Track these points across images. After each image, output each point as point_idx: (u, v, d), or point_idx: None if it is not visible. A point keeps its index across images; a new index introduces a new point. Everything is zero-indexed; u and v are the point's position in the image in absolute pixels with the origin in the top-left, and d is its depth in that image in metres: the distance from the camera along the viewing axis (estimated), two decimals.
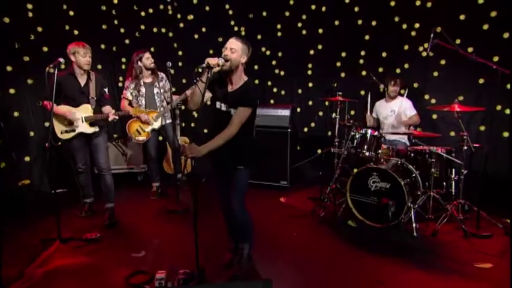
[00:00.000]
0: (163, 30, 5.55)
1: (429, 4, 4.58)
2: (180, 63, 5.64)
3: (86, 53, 3.35)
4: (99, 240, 3.21)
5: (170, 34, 5.57)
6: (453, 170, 3.73)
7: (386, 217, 3.38)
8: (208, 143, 2.37)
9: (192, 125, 5.55)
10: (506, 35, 4.24)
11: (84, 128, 3.50)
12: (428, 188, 3.60)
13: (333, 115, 3.99)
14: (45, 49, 4.81)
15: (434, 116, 4.72)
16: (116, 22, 5.35)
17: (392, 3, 4.79)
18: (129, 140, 4.77)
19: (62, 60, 3.00)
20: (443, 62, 4.61)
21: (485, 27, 4.32)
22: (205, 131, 5.76)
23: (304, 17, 5.29)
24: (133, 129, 4.25)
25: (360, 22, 5.00)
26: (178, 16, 5.55)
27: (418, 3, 4.65)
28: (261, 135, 4.86)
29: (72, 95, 3.46)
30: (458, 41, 4.03)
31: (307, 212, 3.95)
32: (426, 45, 4.65)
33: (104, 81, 3.63)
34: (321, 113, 5.50)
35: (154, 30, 5.50)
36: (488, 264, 2.80)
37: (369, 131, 3.77)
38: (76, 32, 5.09)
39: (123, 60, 5.45)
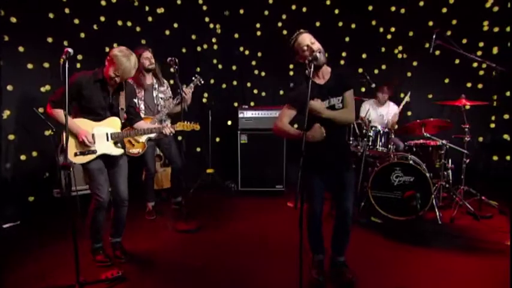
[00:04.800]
0: (129, 23, 4.79)
1: (403, 10, 4.99)
2: None
3: (130, 69, 2.48)
4: (123, 278, 2.54)
5: (137, 29, 4.85)
6: (449, 160, 4.10)
7: (414, 209, 3.50)
8: (333, 112, 2.26)
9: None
10: (464, 41, 4.88)
11: (109, 148, 2.62)
12: (437, 178, 3.88)
13: None
14: None
15: (409, 113, 5.15)
16: (67, 11, 4.41)
17: (370, 8, 5.07)
18: None
19: (70, 50, 2.27)
20: (415, 63, 5.07)
21: (449, 33, 4.90)
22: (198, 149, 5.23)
23: (284, 16, 5.20)
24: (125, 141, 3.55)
25: (340, 24, 5.15)
26: (147, 8, 4.87)
27: (393, 9, 5.02)
28: (255, 138, 4.60)
29: (96, 107, 2.58)
30: (427, 45, 4.48)
31: (324, 214, 3.85)
32: (401, 47, 5.12)
33: (134, 88, 2.83)
34: None
35: (119, 23, 4.72)
36: None
37: (379, 127, 3.90)
38: (14, 20, 4.08)
39: (79, 57, 4.53)
